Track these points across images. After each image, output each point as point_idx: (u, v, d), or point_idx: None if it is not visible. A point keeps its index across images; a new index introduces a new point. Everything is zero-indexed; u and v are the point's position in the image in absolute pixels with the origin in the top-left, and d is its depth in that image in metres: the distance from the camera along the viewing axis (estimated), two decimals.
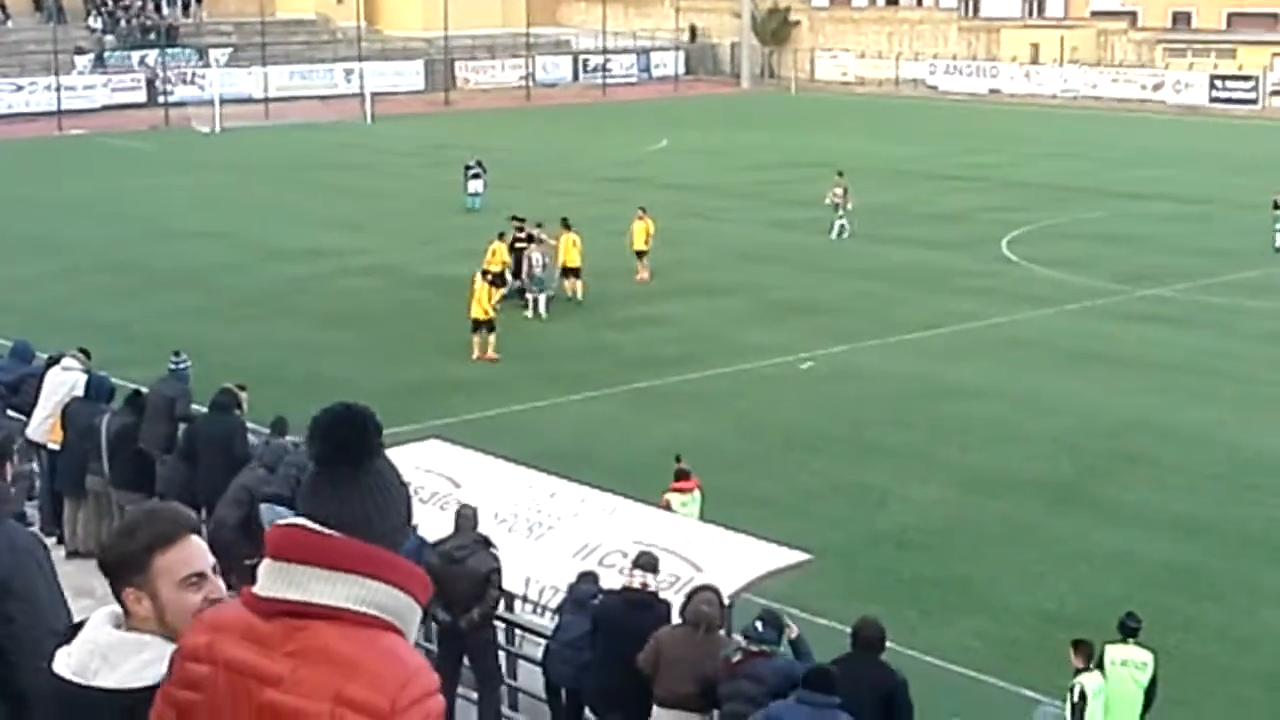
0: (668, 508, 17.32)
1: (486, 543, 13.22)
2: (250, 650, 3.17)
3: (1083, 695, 13.59)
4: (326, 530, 3.19)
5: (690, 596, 11.94)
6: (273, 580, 3.21)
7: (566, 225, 34.37)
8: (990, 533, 20.77)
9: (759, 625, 11.53)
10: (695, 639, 11.55)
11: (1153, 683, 13.75)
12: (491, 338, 29.37)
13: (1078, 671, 13.75)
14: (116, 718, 3.43)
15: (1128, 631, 13.89)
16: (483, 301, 29.33)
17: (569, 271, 34.23)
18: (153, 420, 17.00)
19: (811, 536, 17.90)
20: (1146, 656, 13.78)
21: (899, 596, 15.63)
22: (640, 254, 36.43)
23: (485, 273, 30.40)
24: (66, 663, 3.49)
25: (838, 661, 11.95)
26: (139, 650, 3.46)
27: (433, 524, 14.84)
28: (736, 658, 11.51)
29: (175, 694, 3.27)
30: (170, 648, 3.46)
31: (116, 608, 3.54)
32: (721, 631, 12.25)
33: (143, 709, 3.37)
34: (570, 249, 34.09)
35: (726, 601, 12.70)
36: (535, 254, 33.31)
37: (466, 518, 13.39)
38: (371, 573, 3.17)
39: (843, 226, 41.59)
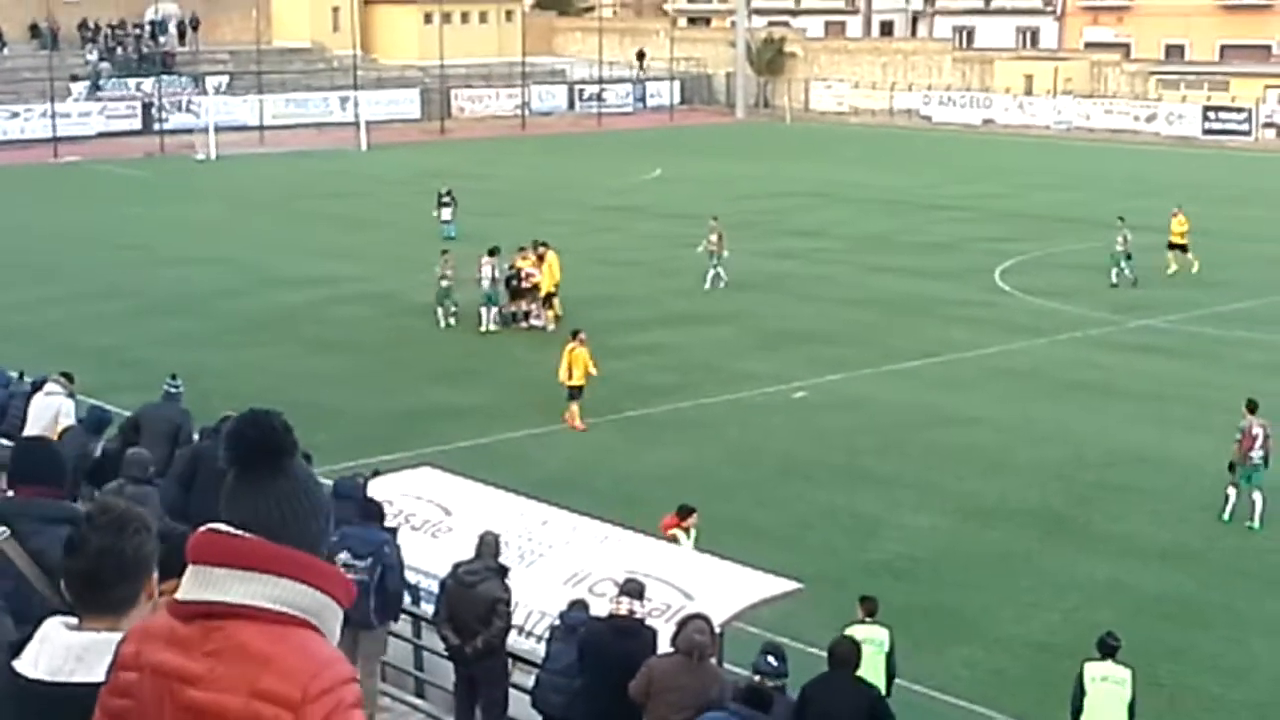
0: (673, 539, 17.15)
1: (501, 571, 13.22)
2: (172, 653, 3.28)
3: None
4: (240, 533, 3.30)
5: (682, 625, 11.91)
6: (192, 584, 3.31)
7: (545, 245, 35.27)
8: (982, 562, 20.78)
9: (770, 659, 11.49)
10: (688, 668, 11.52)
11: (1132, 701, 13.85)
12: (575, 405, 27.14)
13: (859, 623, 14.65)
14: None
15: (1107, 650, 14.00)
16: (570, 364, 26.92)
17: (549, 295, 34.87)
18: (152, 443, 17.01)
19: (804, 565, 17.96)
20: (1125, 673, 13.88)
21: (891, 625, 15.65)
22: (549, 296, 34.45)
23: (575, 332, 27.73)
24: (33, 667, 3.55)
25: (814, 682, 12.02)
26: (112, 647, 3.54)
27: (425, 552, 14.86)
28: None
29: (108, 701, 3.39)
30: None
31: (69, 618, 3.62)
32: (713, 660, 12.24)
33: None
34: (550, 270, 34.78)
35: (717, 630, 12.70)
36: (487, 267, 33.91)
37: (488, 544, 13.40)
38: (284, 572, 3.27)
39: (717, 275, 39.03)
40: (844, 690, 11.90)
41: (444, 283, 34.57)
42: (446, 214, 46.80)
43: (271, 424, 3.36)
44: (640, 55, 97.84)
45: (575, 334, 27.56)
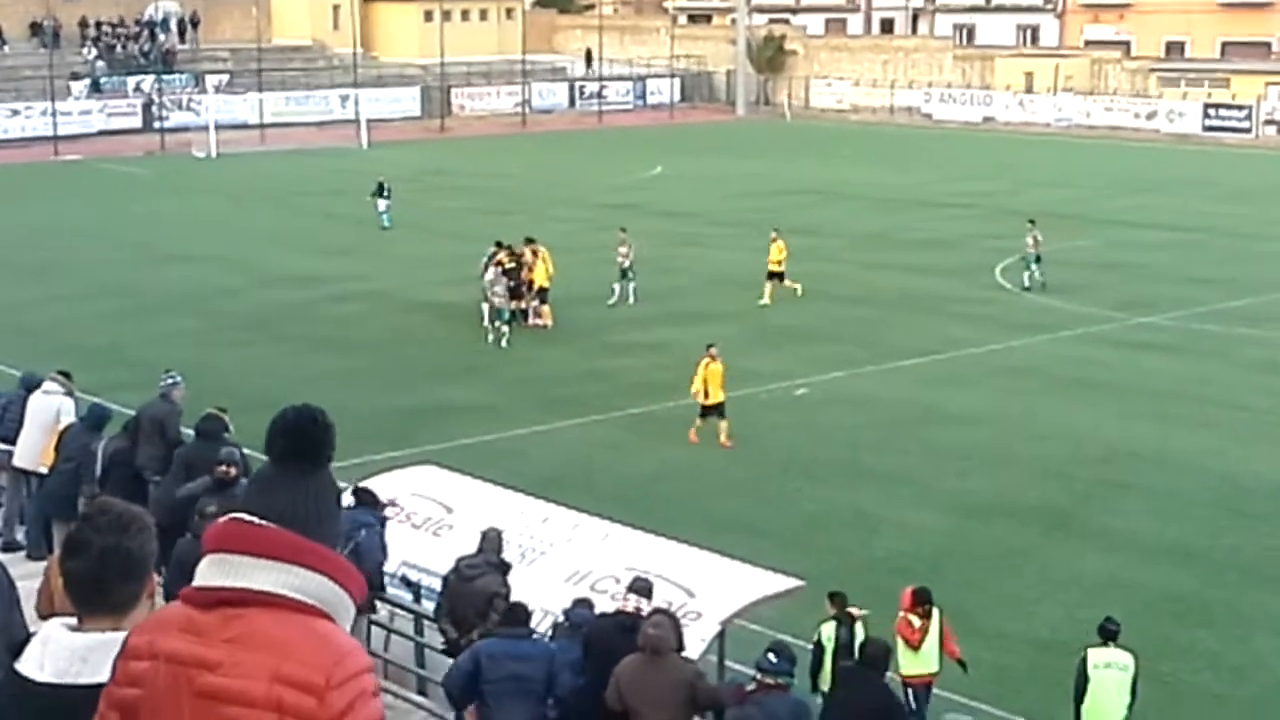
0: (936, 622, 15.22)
1: (501, 566, 13.21)
2: (188, 641, 3.32)
3: (819, 643, 14.83)
4: (264, 523, 3.36)
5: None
6: (212, 572, 3.37)
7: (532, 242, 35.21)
8: (984, 559, 20.75)
9: (772, 657, 11.47)
10: (651, 664, 11.41)
11: (1134, 683, 13.98)
12: (724, 423, 25.81)
13: (830, 620, 14.86)
14: None
15: (1108, 635, 14.13)
16: (705, 379, 25.67)
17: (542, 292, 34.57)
18: (146, 442, 16.99)
19: (805, 562, 17.91)
20: (1128, 658, 13.98)
21: (892, 623, 15.63)
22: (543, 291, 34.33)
23: (709, 346, 26.14)
24: (38, 668, 3.54)
25: (842, 671, 12.05)
26: (117, 647, 3.53)
27: (426, 550, 14.85)
28: (751, 687, 11.48)
29: (116, 692, 3.39)
30: None
31: (70, 619, 3.62)
32: (691, 654, 12.11)
33: None
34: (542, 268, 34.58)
35: (719, 628, 12.65)
36: (496, 267, 33.78)
37: (490, 540, 13.41)
38: (307, 563, 3.34)
39: (620, 289, 37.09)
40: (868, 689, 11.91)
41: (497, 300, 32.95)
42: (382, 204, 48.06)
43: (322, 420, 3.48)
44: (589, 55, 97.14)
45: (709, 348, 26.16)
